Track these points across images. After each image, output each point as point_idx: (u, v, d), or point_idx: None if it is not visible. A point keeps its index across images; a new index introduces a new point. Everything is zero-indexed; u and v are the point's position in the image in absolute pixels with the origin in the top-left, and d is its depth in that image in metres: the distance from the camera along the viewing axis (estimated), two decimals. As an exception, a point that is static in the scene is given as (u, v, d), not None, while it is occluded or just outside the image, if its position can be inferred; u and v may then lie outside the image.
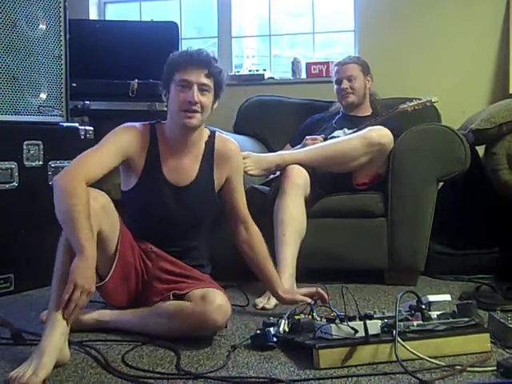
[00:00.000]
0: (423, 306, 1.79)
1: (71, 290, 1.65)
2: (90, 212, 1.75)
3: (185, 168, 2.08)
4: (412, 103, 2.93)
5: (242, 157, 2.38)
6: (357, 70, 3.12)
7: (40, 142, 2.74)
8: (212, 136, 2.14)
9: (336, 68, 3.18)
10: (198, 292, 1.88)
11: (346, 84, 3.10)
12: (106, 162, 1.91)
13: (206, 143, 2.12)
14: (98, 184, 1.90)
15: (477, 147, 2.94)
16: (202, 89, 1.98)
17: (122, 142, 1.98)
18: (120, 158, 1.97)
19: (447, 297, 1.87)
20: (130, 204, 2.01)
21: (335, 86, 3.17)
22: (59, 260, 1.74)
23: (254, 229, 2.22)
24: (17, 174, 2.65)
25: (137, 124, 2.06)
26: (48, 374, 1.58)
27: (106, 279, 1.94)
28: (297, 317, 1.86)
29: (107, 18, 4.42)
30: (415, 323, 1.73)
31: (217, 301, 1.84)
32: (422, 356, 1.62)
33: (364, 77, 3.13)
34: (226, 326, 1.96)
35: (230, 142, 2.18)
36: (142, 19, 4.36)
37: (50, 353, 1.60)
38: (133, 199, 2.03)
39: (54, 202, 1.77)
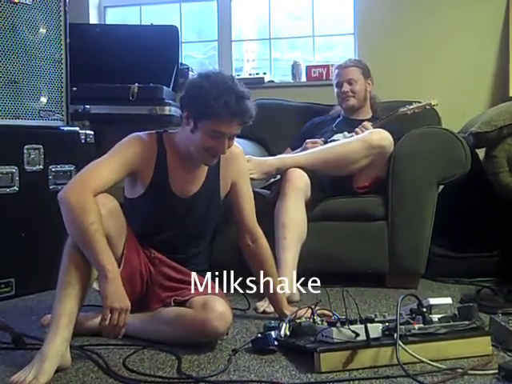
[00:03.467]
0: (424, 309, 1.79)
1: (108, 315, 1.66)
2: (102, 223, 1.73)
3: (192, 179, 2.05)
4: (412, 106, 2.93)
5: (243, 161, 2.37)
6: (357, 73, 3.12)
7: (40, 146, 2.74)
8: None
9: (337, 71, 3.18)
10: (199, 299, 1.87)
11: (346, 87, 3.09)
12: (112, 176, 1.87)
13: None
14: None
15: (477, 150, 2.95)
16: (232, 137, 1.96)
17: (128, 156, 1.93)
18: (126, 172, 1.94)
19: (448, 300, 1.86)
20: (134, 212, 1.98)
21: (336, 89, 3.17)
22: (64, 266, 1.73)
23: (263, 242, 2.17)
24: (17, 178, 2.65)
25: (144, 135, 2.00)
26: (49, 380, 1.58)
27: None
28: (298, 320, 1.86)
29: (107, 21, 4.42)
30: (416, 326, 1.73)
31: (218, 308, 1.83)
32: (423, 359, 1.62)
33: (365, 80, 3.13)
34: (227, 334, 1.95)
35: (234, 146, 2.15)
36: (142, 23, 4.36)
37: (52, 359, 1.61)
38: (137, 208, 2.01)
39: (65, 220, 1.73)
